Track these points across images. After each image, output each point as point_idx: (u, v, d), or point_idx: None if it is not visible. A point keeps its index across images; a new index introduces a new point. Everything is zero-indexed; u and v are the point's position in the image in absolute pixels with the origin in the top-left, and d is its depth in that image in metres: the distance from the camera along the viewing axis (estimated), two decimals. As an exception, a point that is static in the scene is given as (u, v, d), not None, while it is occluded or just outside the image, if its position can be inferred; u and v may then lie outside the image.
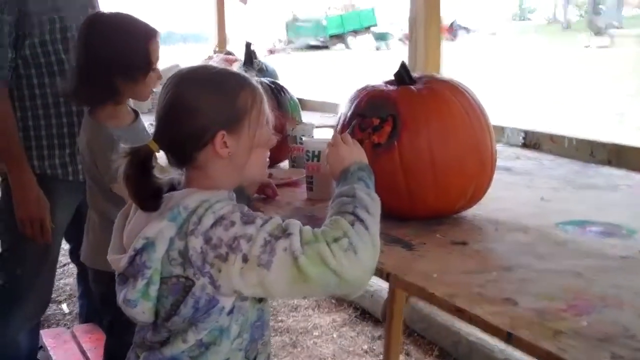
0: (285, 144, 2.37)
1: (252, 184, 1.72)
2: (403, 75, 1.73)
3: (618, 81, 14.07)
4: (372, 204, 1.41)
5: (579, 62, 18.72)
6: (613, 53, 21.15)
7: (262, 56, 4.80)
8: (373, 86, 1.75)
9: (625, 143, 2.62)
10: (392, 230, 1.61)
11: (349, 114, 1.71)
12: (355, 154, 1.53)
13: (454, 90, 1.69)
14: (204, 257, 1.36)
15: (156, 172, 1.46)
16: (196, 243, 1.36)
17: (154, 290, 1.41)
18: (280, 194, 2.04)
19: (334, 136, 1.60)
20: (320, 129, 3.68)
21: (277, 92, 2.43)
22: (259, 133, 1.49)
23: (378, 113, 1.65)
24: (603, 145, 2.62)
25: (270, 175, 2.24)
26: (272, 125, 1.55)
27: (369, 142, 1.64)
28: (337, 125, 1.75)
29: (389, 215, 1.57)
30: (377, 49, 29.59)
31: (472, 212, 1.78)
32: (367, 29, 31.54)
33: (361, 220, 1.35)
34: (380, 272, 1.37)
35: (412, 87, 1.70)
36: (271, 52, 23.90)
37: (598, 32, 28.25)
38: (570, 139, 2.76)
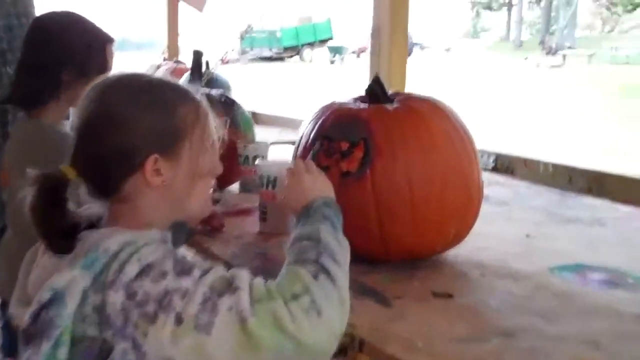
0: (235, 165, 2.10)
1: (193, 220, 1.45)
2: (376, 91, 1.47)
3: (571, 100, 14.10)
4: (340, 250, 1.14)
5: (531, 80, 18.80)
6: (565, 72, 21.35)
7: (214, 66, 4.53)
8: (340, 103, 1.48)
9: (606, 170, 2.41)
10: (361, 276, 1.34)
11: (312, 136, 1.43)
12: (320, 185, 1.27)
13: (434, 110, 1.43)
14: (126, 316, 1.07)
15: (71, 205, 1.17)
16: (116, 298, 1.08)
17: (62, 354, 1.11)
18: (229, 225, 1.75)
19: (294, 163, 1.33)
20: (275, 145, 3.42)
21: (227, 106, 2.16)
22: (202, 159, 1.21)
23: (347, 136, 1.38)
24: (582, 173, 2.42)
25: (216, 202, 1.96)
26: (218, 148, 1.28)
27: (337, 170, 1.37)
28: (298, 148, 1.48)
29: (357, 258, 1.30)
30: (332, 62, 29.45)
31: (452, 252, 1.52)
32: (323, 41, 31.37)
33: (327, 272, 1.09)
34: (351, 339, 1.10)
35: (386, 105, 1.44)
36: (224, 62, 23.48)
37: (550, 51, 28.60)
38: (545, 165, 2.55)
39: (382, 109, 1.41)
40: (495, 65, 24.06)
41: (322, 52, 31.07)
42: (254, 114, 4.18)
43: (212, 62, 3.68)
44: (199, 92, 1.23)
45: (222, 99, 2.17)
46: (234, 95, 4.70)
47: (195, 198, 1.24)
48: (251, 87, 11.15)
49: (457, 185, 1.39)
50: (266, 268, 1.43)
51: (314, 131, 1.43)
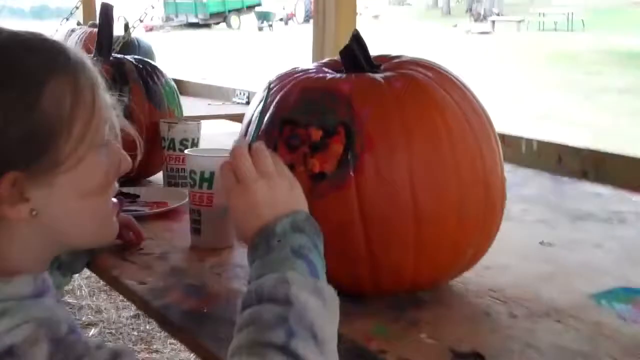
0: (157, 151, 1.64)
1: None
2: (357, 55, 1.02)
3: (502, 67, 13.94)
4: (324, 316, 0.72)
5: (462, 47, 18.62)
6: (495, 39, 21.27)
7: (132, 27, 4.02)
8: (305, 70, 1.04)
9: (603, 149, 2.04)
10: (345, 327, 0.90)
11: (266, 119, 0.98)
12: (285, 194, 0.83)
13: (443, 80, 1.00)
14: None
15: None
16: None
17: None
18: (150, 234, 1.30)
19: (238, 160, 0.86)
20: (206, 120, 2.95)
21: (146, 76, 1.69)
22: (96, 160, 0.76)
23: (320, 119, 0.94)
24: (575, 152, 2.04)
25: (133, 200, 1.51)
26: (119, 132, 0.83)
27: (304, 170, 0.93)
28: (244, 139, 1.02)
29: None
30: (260, 29, 28.74)
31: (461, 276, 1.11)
32: (250, 7, 30.55)
33: None
34: None
35: (373, 75, 0.99)
36: (147, 29, 22.57)
37: (478, 18, 28.56)
38: (529, 142, 2.16)
39: (368, 80, 0.97)
40: (425, 33, 23.81)
41: (249, 18, 30.30)
42: (179, 83, 3.69)
43: (133, 25, 3.20)
44: (79, 50, 0.77)
45: (140, 67, 1.69)
46: (158, 63, 4.20)
47: (90, 222, 0.79)
48: (177, 55, 10.55)
49: (479, 189, 0.96)
50: (205, 313, 0.98)
51: (270, 112, 0.98)
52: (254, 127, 0.98)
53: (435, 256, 0.96)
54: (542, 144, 2.12)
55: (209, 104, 3.49)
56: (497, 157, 1.01)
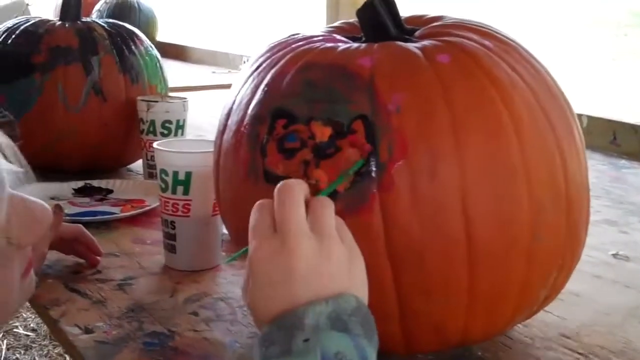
0: (136, 134, 1.36)
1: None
2: (382, 15, 0.72)
3: (523, 25, 13.52)
4: None
5: (481, 5, 18.14)
6: None
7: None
8: (309, 39, 0.74)
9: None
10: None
11: (250, 110, 0.69)
12: (338, 269, 0.56)
13: (507, 52, 0.69)
14: None
15: None
16: None
17: None
18: (114, 248, 1.02)
19: (279, 200, 0.57)
20: (208, 90, 2.66)
21: (121, 44, 1.39)
22: None
23: (328, 111, 0.64)
24: (633, 130, 1.75)
25: (103, 197, 1.23)
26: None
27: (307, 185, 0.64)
28: (222, 135, 0.73)
29: None
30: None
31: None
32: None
33: None
34: None
35: (405, 45, 0.69)
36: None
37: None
38: (577, 117, 1.85)
39: (399, 53, 0.67)
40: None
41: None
42: (181, 49, 3.40)
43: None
44: None
45: (113, 32, 1.39)
46: (160, 27, 3.88)
47: None
48: (186, 19, 10.19)
49: (559, 209, 0.66)
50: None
51: (257, 99, 0.68)
52: (235, 121, 0.68)
53: (496, 304, 0.67)
54: (593, 120, 1.83)
55: (213, 72, 3.22)
56: (582, 160, 0.71)
